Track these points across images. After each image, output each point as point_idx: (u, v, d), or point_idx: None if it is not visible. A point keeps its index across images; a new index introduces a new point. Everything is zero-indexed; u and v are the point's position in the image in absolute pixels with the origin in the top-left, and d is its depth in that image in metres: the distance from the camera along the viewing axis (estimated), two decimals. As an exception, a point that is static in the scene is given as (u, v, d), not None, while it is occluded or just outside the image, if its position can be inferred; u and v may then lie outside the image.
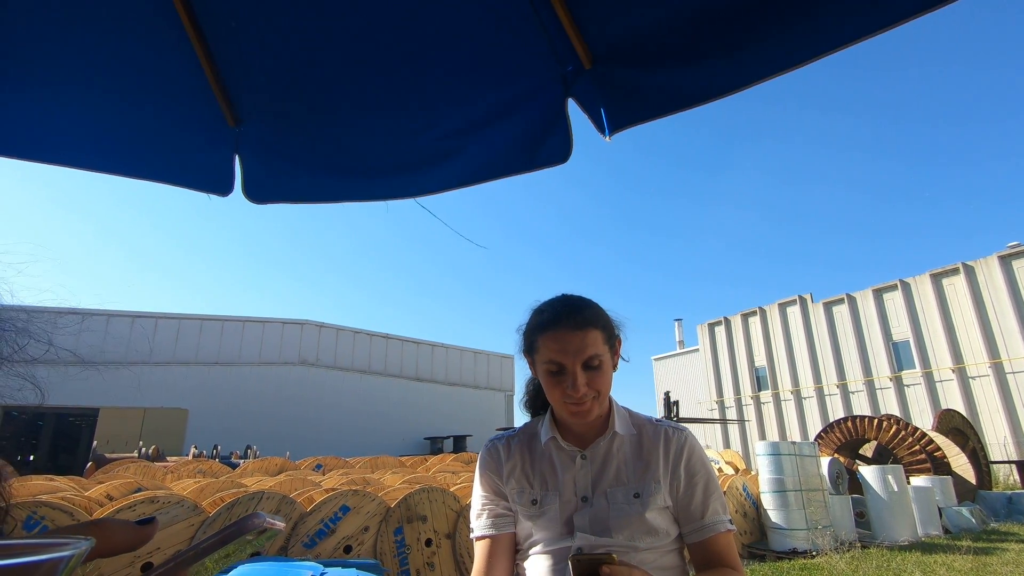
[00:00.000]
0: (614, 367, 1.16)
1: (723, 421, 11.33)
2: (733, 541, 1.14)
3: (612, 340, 1.15)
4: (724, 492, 6.44)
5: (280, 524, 0.44)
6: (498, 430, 1.41)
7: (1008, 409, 14.90)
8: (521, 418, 1.36)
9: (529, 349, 1.17)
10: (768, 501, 6.42)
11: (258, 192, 1.59)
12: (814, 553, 5.85)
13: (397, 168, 1.55)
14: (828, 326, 19.30)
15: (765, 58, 1.12)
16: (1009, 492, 9.02)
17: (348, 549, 4.11)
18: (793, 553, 5.91)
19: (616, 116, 1.33)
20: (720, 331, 23.10)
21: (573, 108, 1.39)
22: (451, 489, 5.01)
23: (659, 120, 1.30)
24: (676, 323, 32.70)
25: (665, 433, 1.18)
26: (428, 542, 4.45)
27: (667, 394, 11.00)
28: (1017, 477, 10.26)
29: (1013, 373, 14.98)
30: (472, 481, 2.80)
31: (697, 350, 25.60)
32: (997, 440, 14.71)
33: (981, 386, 15.53)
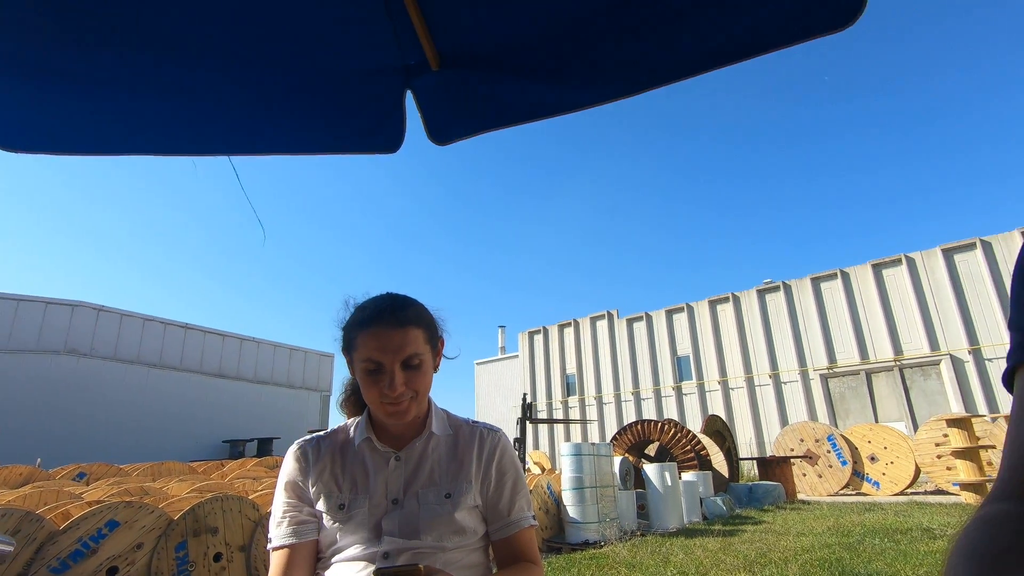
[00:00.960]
0: (435, 368, 1.17)
1: (567, 421, 12.09)
2: (535, 536, 1.21)
3: (434, 340, 1.16)
4: (531, 491, 6.82)
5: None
6: (310, 432, 1.33)
7: (755, 415, 18.22)
8: (338, 420, 1.30)
9: (348, 346, 1.13)
10: (568, 498, 6.98)
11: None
12: (602, 543, 6.50)
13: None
14: (629, 340, 21.75)
15: (595, 85, 1.26)
16: (750, 483, 10.99)
17: (113, 571, 3.52)
18: (585, 544, 6.50)
19: (451, 123, 1.43)
20: (539, 339, 24.65)
21: (411, 106, 1.45)
22: (250, 497, 4.58)
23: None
24: (500, 330, 34.08)
25: (480, 434, 1.22)
26: (217, 557, 4.00)
27: (524, 396, 11.42)
28: (757, 471, 12.58)
29: (760, 386, 18.37)
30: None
31: (517, 356, 26.97)
32: (745, 441, 17.89)
33: (738, 396, 18.77)
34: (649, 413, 20.27)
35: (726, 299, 19.78)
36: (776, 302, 18.69)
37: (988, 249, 15.38)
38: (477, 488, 1.16)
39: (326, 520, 1.10)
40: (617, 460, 7.99)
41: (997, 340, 14.62)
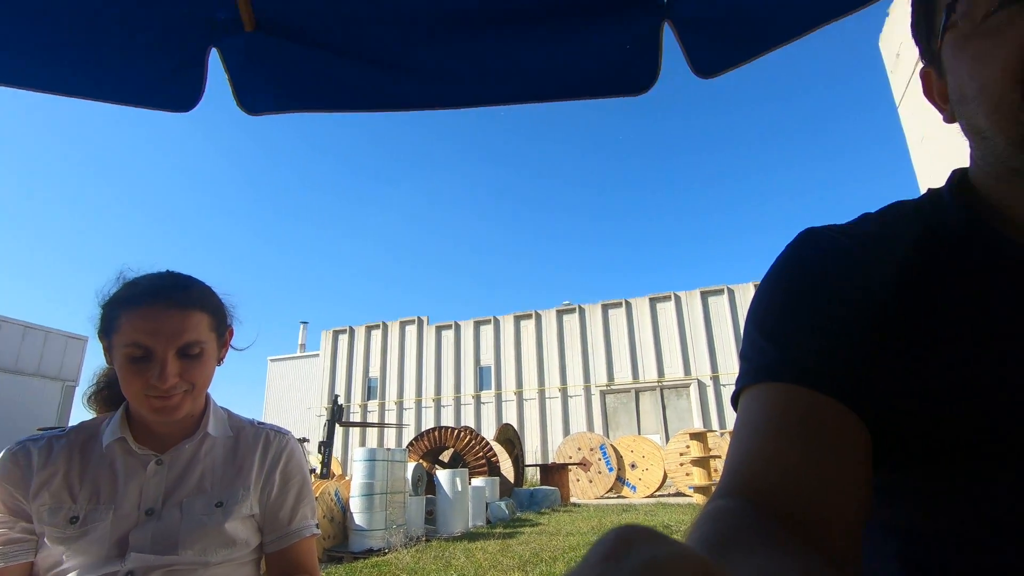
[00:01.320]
0: (219, 360, 1.04)
1: (381, 425, 11.50)
2: (315, 547, 1.14)
3: (221, 328, 1.03)
4: (316, 498, 6.48)
5: None
6: (39, 430, 1.08)
7: (543, 425, 19.75)
8: (82, 416, 1.08)
9: (107, 328, 0.94)
10: (356, 504, 6.75)
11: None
12: (387, 550, 6.41)
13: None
14: (436, 347, 22.02)
15: (435, 85, 1.28)
16: (532, 488, 11.84)
17: None
18: (369, 552, 6.33)
19: (262, 93, 1.32)
20: (344, 339, 23.62)
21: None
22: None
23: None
24: (302, 325, 31.90)
25: (266, 436, 1.11)
26: None
27: (336, 397, 10.56)
28: (539, 476, 13.62)
29: (550, 398, 20.00)
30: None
31: (318, 355, 25.47)
32: (533, 448, 19.27)
33: (530, 407, 20.18)
34: (448, 420, 20.68)
35: (529, 316, 21.22)
36: (572, 323, 20.61)
37: (732, 295, 18.95)
38: (256, 496, 1.06)
39: (49, 537, 0.90)
40: (411, 466, 7.99)
41: (732, 369, 18.04)
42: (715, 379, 18.18)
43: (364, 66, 1.25)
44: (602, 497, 13.30)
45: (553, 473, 12.56)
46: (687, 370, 18.68)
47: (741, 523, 0.36)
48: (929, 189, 0.57)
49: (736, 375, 0.53)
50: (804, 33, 1.17)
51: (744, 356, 0.52)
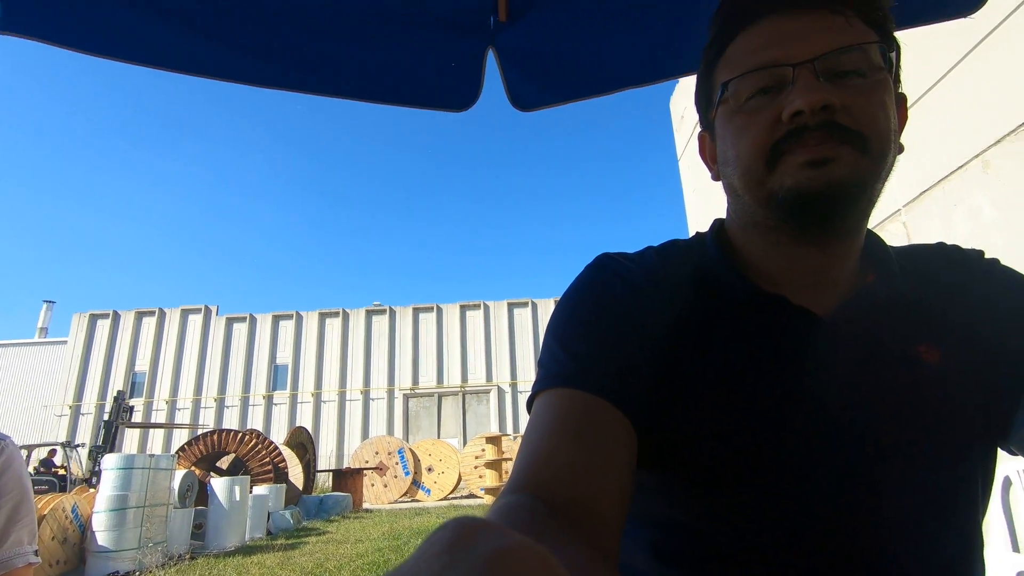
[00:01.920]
0: None
1: (173, 426, 9.55)
2: None
3: None
4: (45, 516, 5.32)
5: None
6: None
7: (341, 429, 18.90)
8: None
9: None
10: (100, 521, 5.69)
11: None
12: (137, 573, 5.51)
13: None
14: (225, 340, 19.73)
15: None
16: (322, 495, 11.23)
17: None
18: (113, 577, 5.38)
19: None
20: (104, 325, 19.89)
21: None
22: None
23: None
24: (46, 305, 26.12)
25: None
26: None
27: (119, 393, 8.51)
28: (331, 483, 12.98)
29: (351, 401, 19.25)
30: None
31: (65, 342, 20.99)
32: (327, 453, 18.30)
33: (328, 409, 19.18)
34: (232, 422, 18.61)
35: (336, 313, 20.23)
36: (380, 324, 20.16)
37: (535, 308, 20.38)
38: None
39: None
40: (179, 474, 7.00)
41: (530, 377, 19.31)
42: (514, 386, 19.31)
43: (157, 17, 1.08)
44: (396, 501, 13.17)
45: (347, 478, 12.08)
46: (489, 376, 19.53)
47: (525, 517, 0.38)
48: (697, 232, 0.69)
49: (533, 382, 0.57)
50: (618, 89, 1.32)
51: (542, 364, 0.57)
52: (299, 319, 20.19)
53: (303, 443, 12.45)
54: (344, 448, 18.59)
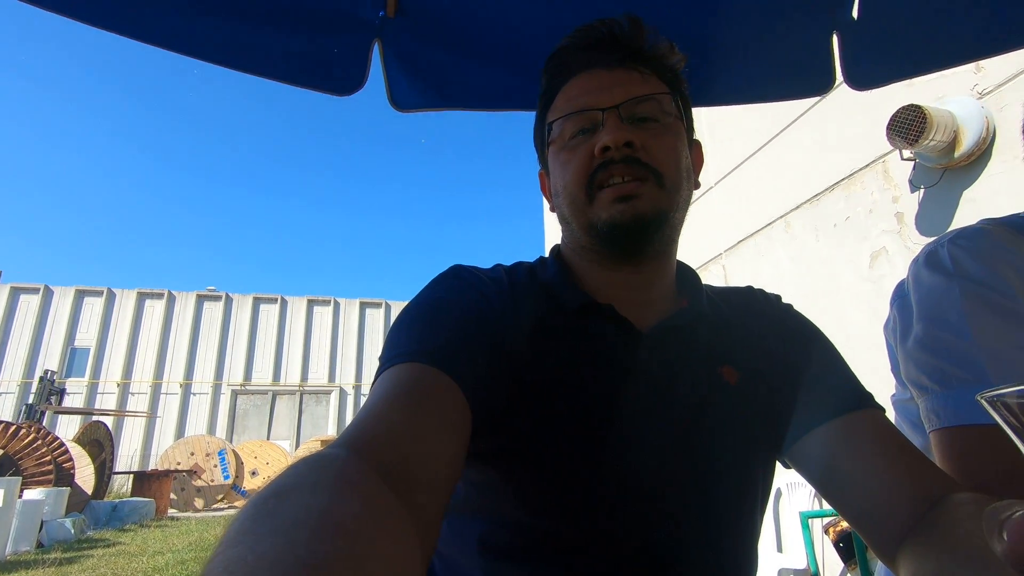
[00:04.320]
0: None
1: (105, 412, 7.29)
2: None
3: None
4: None
5: None
6: None
7: (151, 425, 16.61)
8: None
9: None
10: None
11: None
12: None
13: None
14: (7, 312, 16.41)
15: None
16: (117, 500, 9.78)
17: None
18: None
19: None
20: None
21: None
22: None
23: None
24: None
25: None
26: None
27: (47, 372, 6.50)
28: (130, 486, 11.35)
29: (167, 394, 17.06)
30: None
31: None
32: (130, 452, 15.95)
33: (137, 402, 16.77)
34: (6, 412, 15.46)
35: (159, 295, 17.88)
36: (213, 311, 18.22)
37: (388, 309, 19.88)
38: None
39: None
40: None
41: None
42: (357, 388, 18.59)
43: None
44: (211, 508, 11.90)
45: (151, 482, 10.64)
46: (332, 377, 18.60)
47: (337, 468, 0.37)
48: (542, 256, 0.78)
49: (379, 377, 0.58)
50: (500, 108, 1.36)
51: (385, 350, 0.58)
52: (111, 297, 17.48)
53: (99, 440, 10.74)
54: (153, 447, 16.38)
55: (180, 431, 16.53)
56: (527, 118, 0.86)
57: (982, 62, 2.78)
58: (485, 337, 0.59)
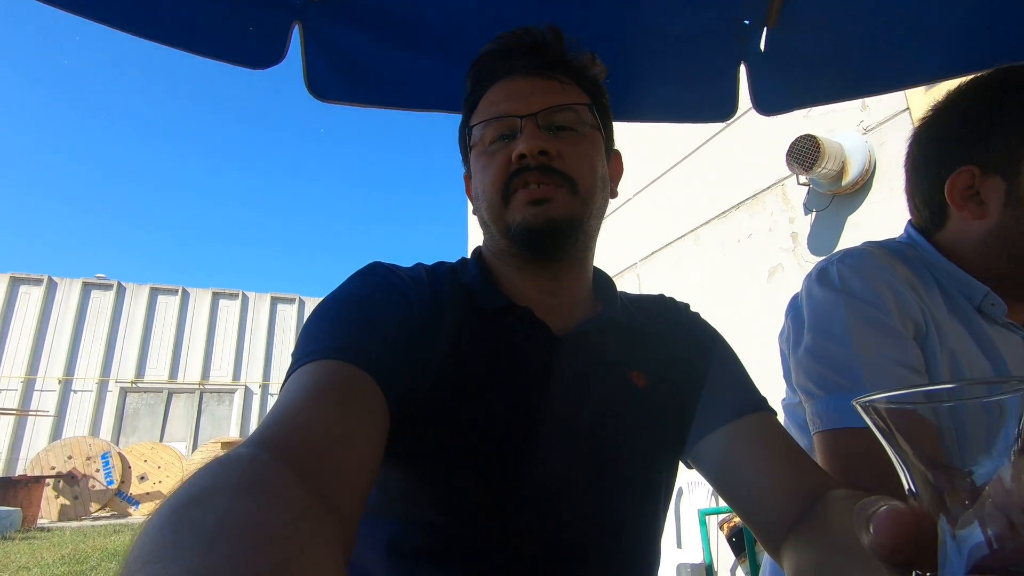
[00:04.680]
0: None
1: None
2: None
3: None
4: None
5: None
6: None
7: (19, 425, 14.86)
8: None
9: None
10: None
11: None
12: None
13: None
14: None
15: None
16: (-24, 510, 8.66)
17: None
18: None
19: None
20: None
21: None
22: None
23: None
24: None
25: None
26: None
27: None
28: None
29: (41, 391, 15.34)
30: None
31: None
32: (-9, 456, 14.18)
33: (4, 399, 14.96)
34: None
35: (38, 281, 16.07)
36: (102, 301, 16.61)
37: (302, 305, 19.03)
38: None
39: None
40: None
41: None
42: (265, 387, 17.63)
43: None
44: (91, 516, 10.83)
45: (18, 489, 9.51)
46: (237, 375, 17.52)
47: (249, 470, 0.36)
48: (463, 257, 0.78)
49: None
50: (432, 109, 1.34)
51: (298, 347, 0.56)
52: (-24, 281, 15.50)
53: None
54: (22, 450, 14.65)
55: (56, 432, 14.91)
56: (455, 119, 0.86)
57: (868, 100, 3.10)
58: (404, 335, 0.59)
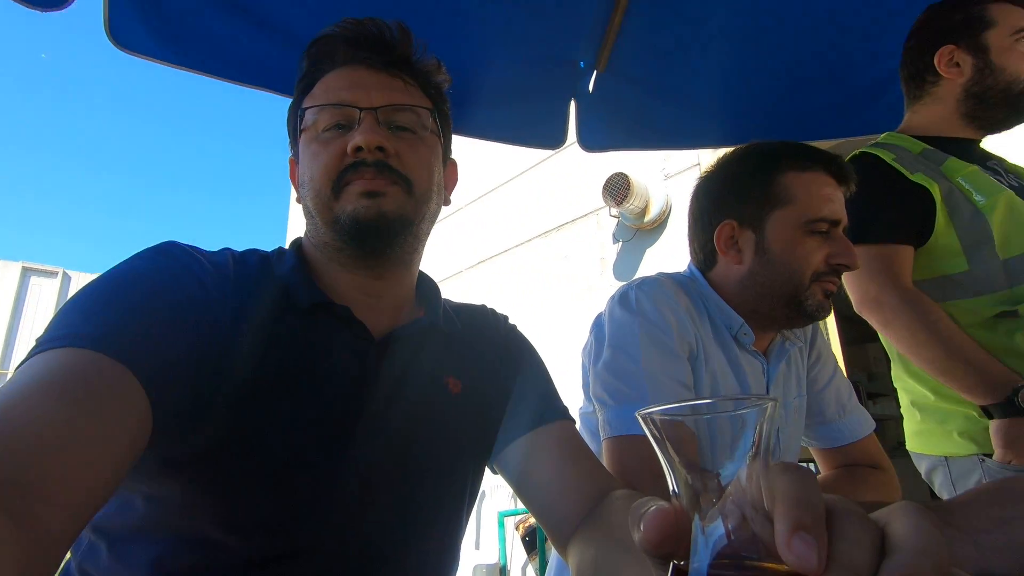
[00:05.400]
0: None
1: None
2: None
3: None
4: None
5: None
6: None
7: None
8: None
9: None
10: None
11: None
12: None
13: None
14: None
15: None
16: None
17: None
18: None
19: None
20: None
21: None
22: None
23: None
24: None
25: None
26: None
27: None
28: None
29: None
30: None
31: None
32: None
33: None
34: None
35: None
36: None
37: (67, 280, 15.85)
38: None
39: None
40: None
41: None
42: (2, 376, 14.28)
43: None
44: None
45: None
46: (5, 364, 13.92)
47: None
48: (280, 247, 0.71)
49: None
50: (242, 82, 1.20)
51: (49, 327, 0.47)
52: None
53: None
54: None
55: None
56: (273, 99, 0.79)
57: (671, 152, 3.60)
58: (186, 325, 0.52)
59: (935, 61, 1.15)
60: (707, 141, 1.64)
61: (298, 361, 0.59)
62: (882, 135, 1.24)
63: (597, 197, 3.77)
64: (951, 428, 1.09)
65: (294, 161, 0.72)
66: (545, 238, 4.43)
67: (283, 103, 0.77)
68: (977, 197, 1.07)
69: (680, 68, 1.48)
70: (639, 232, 3.77)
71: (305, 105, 0.67)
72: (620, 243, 3.89)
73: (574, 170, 4.25)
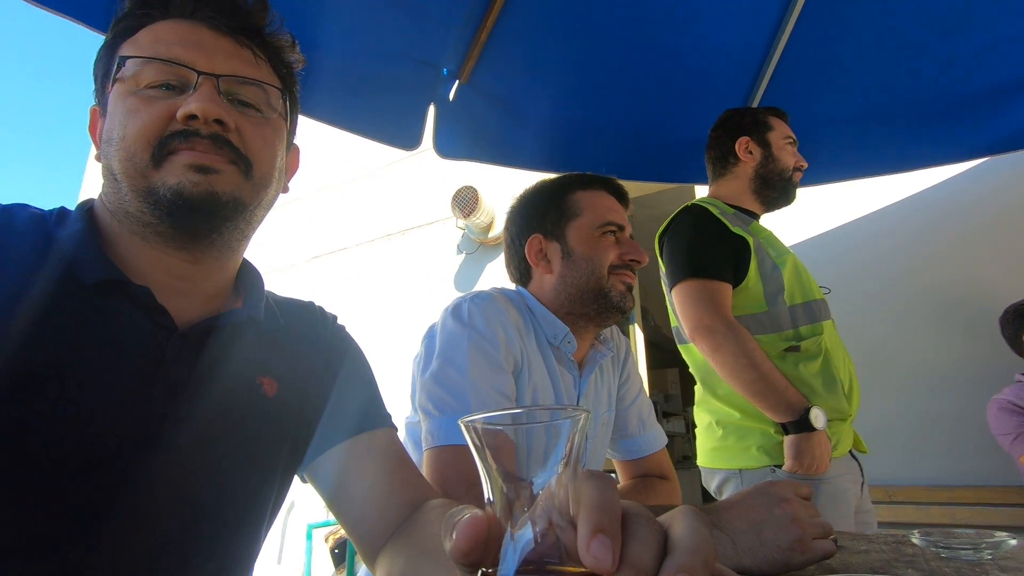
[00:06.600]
0: None
1: None
2: None
3: None
4: None
5: None
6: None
7: None
8: None
9: None
10: None
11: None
12: None
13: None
14: None
15: None
16: None
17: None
18: None
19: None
20: None
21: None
22: None
23: None
24: None
25: None
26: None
27: None
28: None
29: None
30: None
31: None
32: None
33: None
34: None
35: None
36: None
37: None
38: None
39: None
40: None
41: None
42: None
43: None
44: None
45: None
46: None
47: None
48: (61, 207, 0.60)
49: None
50: None
51: None
52: None
53: None
54: None
55: None
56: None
57: (532, 172, 3.76)
58: None
59: (735, 147, 1.48)
60: (551, 166, 1.75)
61: (75, 349, 0.49)
62: (698, 198, 1.50)
63: (446, 207, 3.79)
64: (750, 443, 1.30)
65: (98, 111, 0.61)
66: (388, 240, 4.33)
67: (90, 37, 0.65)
68: (773, 253, 1.37)
69: (536, 93, 1.56)
70: (483, 246, 3.87)
71: (125, 53, 0.57)
72: (463, 255, 3.95)
73: (427, 177, 4.23)
